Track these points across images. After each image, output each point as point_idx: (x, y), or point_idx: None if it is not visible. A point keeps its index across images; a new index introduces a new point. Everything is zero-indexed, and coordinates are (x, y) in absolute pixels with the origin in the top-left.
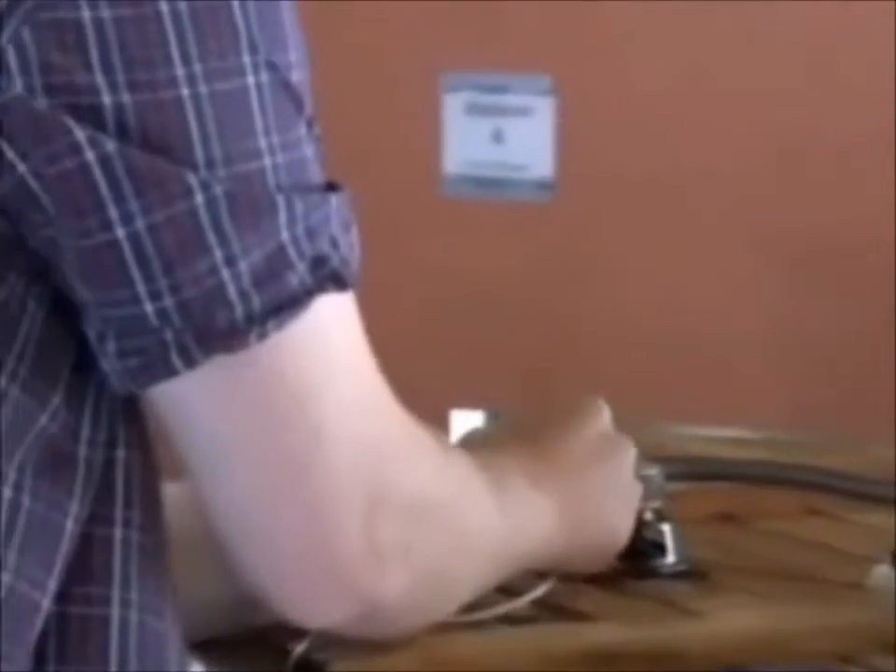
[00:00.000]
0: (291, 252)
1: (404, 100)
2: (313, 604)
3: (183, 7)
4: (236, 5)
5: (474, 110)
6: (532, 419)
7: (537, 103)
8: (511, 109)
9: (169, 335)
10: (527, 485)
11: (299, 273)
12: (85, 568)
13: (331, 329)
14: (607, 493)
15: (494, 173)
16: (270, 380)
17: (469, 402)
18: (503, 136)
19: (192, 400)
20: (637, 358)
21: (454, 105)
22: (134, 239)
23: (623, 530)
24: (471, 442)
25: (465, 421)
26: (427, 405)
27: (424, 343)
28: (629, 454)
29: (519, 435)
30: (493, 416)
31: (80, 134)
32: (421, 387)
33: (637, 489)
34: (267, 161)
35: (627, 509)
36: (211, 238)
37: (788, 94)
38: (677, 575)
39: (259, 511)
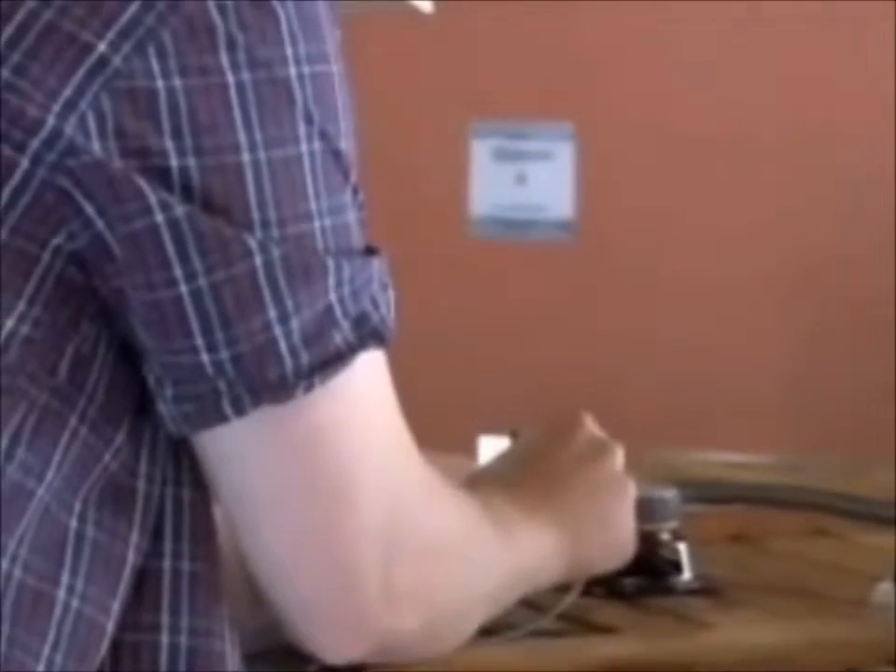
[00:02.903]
0: (337, 311)
1: (434, 146)
2: (331, 643)
3: (247, 78)
4: (294, 77)
5: (500, 155)
6: (519, 443)
7: (558, 147)
8: (534, 154)
9: (223, 385)
10: (521, 514)
11: (343, 332)
12: (136, 597)
13: (367, 383)
14: (597, 493)
15: (517, 214)
16: (311, 429)
17: (495, 429)
18: (526, 179)
19: (237, 445)
20: (657, 389)
21: (481, 151)
22: (196, 296)
23: (622, 523)
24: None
25: (491, 446)
26: (457, 432)
27: (455, 374)
28: (613, 453)
29: (505, 462)
30: (512, 434)
31: (152, 198)
32: (451, 416)
33: (627, 484)
34: (316, 224)
35: (620, 504)
36: (267, 298)
37: (810, 139)
38: (692, 592)
39: (287, 555)
